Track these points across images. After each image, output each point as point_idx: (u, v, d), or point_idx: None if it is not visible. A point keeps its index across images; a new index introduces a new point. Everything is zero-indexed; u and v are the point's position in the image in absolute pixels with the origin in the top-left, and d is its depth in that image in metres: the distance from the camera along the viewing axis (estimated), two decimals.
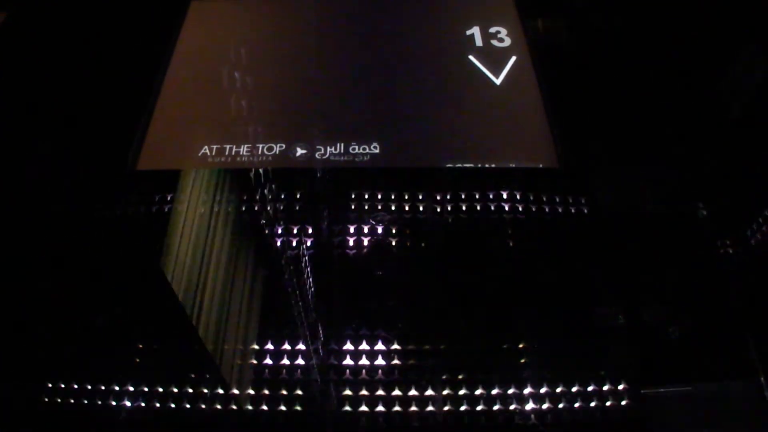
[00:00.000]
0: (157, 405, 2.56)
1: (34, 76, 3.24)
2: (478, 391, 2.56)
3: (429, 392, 2.56)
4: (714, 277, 2.90)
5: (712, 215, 3.00)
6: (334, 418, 2.55)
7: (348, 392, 2.56)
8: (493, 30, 3.21)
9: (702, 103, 3.28)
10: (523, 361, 2.63)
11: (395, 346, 2.63)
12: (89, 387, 2.61)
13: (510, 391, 2.57)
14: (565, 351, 2.66)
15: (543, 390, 2.57)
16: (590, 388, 2.59)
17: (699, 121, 3.23)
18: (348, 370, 2.62)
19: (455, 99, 2.96)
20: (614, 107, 3.25)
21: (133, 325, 2.71)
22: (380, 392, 2.57)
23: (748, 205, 3.03)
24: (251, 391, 2.58)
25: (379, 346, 2.63)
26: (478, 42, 3.16)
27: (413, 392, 2.55)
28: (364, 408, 2.53)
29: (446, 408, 2.53)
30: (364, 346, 2.64)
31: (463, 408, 2.53)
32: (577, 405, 2.56)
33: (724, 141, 3.17)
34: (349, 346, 2.64)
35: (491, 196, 2.90)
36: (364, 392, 2.56)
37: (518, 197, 2.92)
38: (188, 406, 2.56)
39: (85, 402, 2.59)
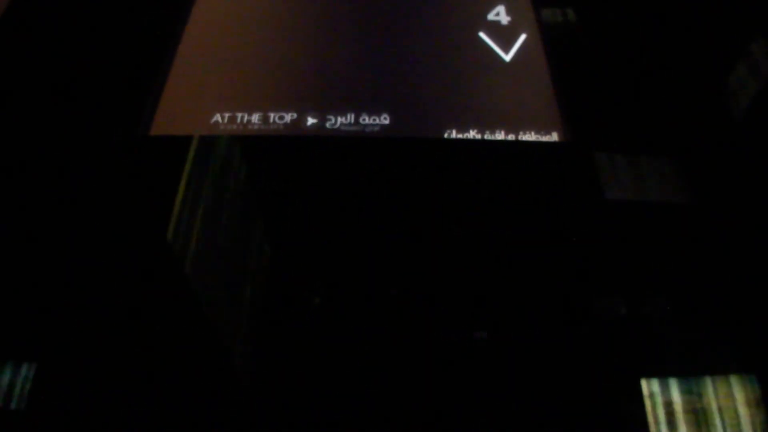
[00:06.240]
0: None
1: (49, 39, 3.26)
2: None
3: None
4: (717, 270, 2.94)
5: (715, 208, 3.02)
6: None
7: None
8: (503, 8, 3.25)
9: (711, 94, 3.31)
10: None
11: None
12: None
13: None
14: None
15: None
16: None
17: (707, 112, 3.26)
18: None
19: (465, 74, 3.01)
20: (623, 91, 3.29)
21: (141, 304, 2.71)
22: None
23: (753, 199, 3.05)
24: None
25: None
26: (489, 19, 3.20)
27: None
28: None
29: None
30: None
31: None
32: None
33: (731, 132, 3.20)
34: None
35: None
36: None
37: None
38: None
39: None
